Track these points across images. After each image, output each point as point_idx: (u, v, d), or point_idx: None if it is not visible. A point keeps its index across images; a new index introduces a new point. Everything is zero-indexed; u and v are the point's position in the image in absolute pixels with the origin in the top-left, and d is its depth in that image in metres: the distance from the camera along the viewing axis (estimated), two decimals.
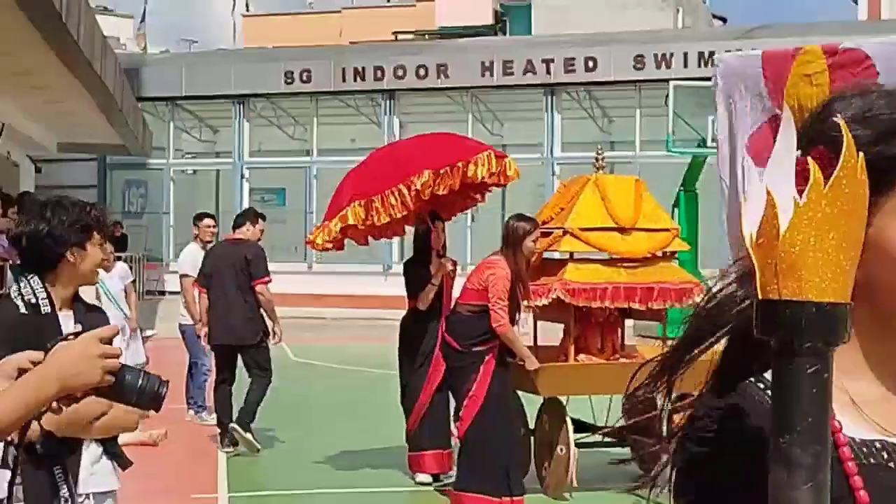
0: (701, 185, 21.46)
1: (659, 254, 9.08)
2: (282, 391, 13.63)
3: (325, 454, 10.85)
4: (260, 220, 11.29)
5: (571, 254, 8.97)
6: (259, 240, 11.20)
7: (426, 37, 39.22)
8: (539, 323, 9.46)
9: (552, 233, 8.98)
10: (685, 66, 26.81)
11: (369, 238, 9.91)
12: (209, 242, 11.99)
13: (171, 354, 12.09)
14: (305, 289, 28.13)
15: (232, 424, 10.57)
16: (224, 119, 31.77)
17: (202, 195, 33.29)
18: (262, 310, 10.85)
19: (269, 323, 10.93)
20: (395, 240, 29.58)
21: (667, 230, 9.15)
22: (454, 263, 9.60)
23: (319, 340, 23.28)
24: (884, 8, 39.24)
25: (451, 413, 8.95)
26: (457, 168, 8.93)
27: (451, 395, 8.92)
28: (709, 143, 21.57)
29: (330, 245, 9.38)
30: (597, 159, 9.35)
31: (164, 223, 31.44)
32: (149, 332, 17.59)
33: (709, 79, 24.13)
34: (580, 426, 9.03)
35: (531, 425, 9.18)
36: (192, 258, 11.86)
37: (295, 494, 9.33)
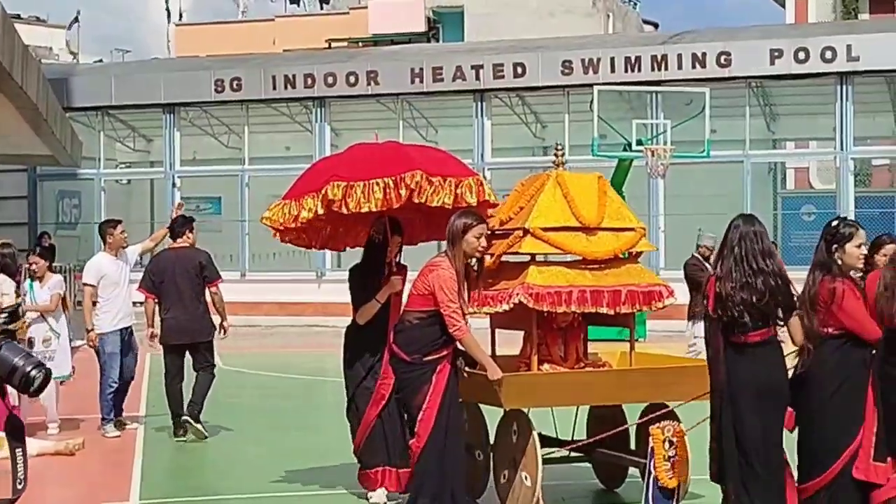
0: (627, 188, 21.70)
1: (623, 255, 8.47)
2: (210, 396, 13.68)
3: (241, 460, 10.95)
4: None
5: (533, 256, 8.27)
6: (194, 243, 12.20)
7: (359, 44, 39.30)
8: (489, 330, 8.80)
9: (511, 234, 8.31)
10: (612, 70, 27.10)
11: (311, 244, 9.41)
12: (124, 248, 12.01)
13: (97, 365, 12.09)
14: (239, 297, 27.93)
15: (184, 417, 11.71)
16: (157, 128, 31.69)
17: (136, 205, 33.19)
18: (215, 308, 12.01)
19: (218, 320, 12.11)
20: None
21: (632, 229, 8.49)
22: (405, 272, 8.79)
23: (252, 348, 23.28)
24: (810, 11, 39.82)
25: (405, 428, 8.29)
26: (449, 182, 8.32)
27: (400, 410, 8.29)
28: (633, 147, 21.90)
29: (282, 227, 8.68)
30: (556, 155, 8.65)
31: (95, 234, 31.21)
32: (78, 343, 17.55)
33: (635, 83, 24.57)
34: (545, 441, 8.41)
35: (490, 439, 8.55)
36: (96, 268, 11.90)
37: (205, 500, 9.37)
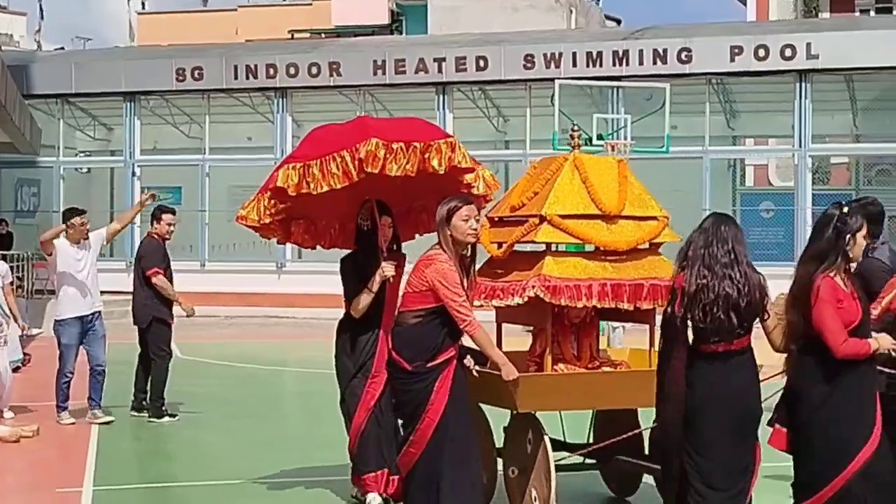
0: None
1: (645, 245, 7.69)
2: (167, 386, 13.67)
3: (198, 449, 10.97)
4: (167, 215, 12.53)
5: (548, 245, 7.50)
6: (165, 233, 12.42)
7: (322, 35, 39.26)
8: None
9: (523, 221, 7.59)
10: (574, 65, 27.21)
11: (317, 243, 8.68)
12: (85, 239, 11.97)
13: (55, 353, 12.05)
14: (198, 287, 27.91)
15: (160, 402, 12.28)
16: (118, 117, 31.53)
17: (97, 193, 33.02)
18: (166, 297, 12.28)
19: (174, 309, 12.44)
20: None
21: (655, 218, 7.74)
22: (402, 261, 8.10)
23: (211, 338, 23.24)
24: (772, 9, 40.12)
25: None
26: (413, 147, 7.53)
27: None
28: (594, 142, 21.98)
29: (257, 223, 8.05)
30: (572, 136, 7.90)
31: (54, 222, 31.07)
32: (35, 331, 17.50)
33: (596, 78, 24.64)
34: (556, 445, 7.69)
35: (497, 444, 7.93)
36: (63, 256, 11.85)
37: (156, 487, 9.38)
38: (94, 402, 11.91)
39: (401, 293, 7.27)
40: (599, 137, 22.18)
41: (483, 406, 7.75)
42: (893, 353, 6.18)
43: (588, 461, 8.11)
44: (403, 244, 8.42)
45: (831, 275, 6.02)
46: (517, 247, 7.67)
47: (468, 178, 7.91)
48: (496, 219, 8.00)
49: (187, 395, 13.80)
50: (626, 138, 22.43)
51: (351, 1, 40.47)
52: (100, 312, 12.02)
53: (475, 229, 6.93)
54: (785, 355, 6.28)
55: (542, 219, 7.41)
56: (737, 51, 26.57)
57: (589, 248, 7.66)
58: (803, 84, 26.52)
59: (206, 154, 30.42)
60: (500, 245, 7.75)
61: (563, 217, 7.43)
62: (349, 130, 7.86)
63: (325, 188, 7.56)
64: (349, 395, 8.12)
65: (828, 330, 5.91)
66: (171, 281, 12.34)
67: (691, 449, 6.11)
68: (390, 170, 7.51)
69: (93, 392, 11.91)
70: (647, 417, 7.18)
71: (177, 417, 12.33)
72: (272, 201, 7.90)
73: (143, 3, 48.37)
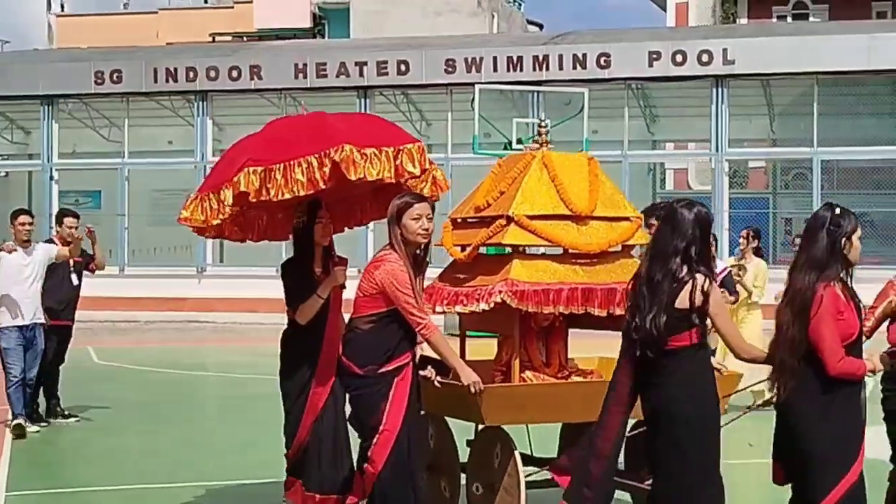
0: None
1: (617, 248, 7.27)
2: (82, 392, 13.59)
3: (115, 454, 10.90)
4: (68, 218, 12.25)
5: (515, 247, 7.10)
6: (67, 236, 12.05)
7: (244, 38, 39.12)
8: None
9: (489, 221, 7.18)
10: (495, 70, 27.38)
11: (246, 237, 7.90)
12: (26, 241, 11.65)
13: None
14: (118, 292, 27.83)
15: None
16: (36, 120, 31.17)
17: (14, 197, 32.54)
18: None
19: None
20: (210, 241, 29.79)
21: (628, 219, 7.31)
22: (345, 264, 7.44)
23: (131, 343, 23.09)
24: (691, 15, 40.62)
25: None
26: (385, 153, 6.94)
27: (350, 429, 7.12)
28: (514, 145, 22.14)
29: (204, 224, 7.19)
30: (540, 133, 7.49)
31: None
32: None
33: (516, 82, 24.77)
34: (524, 460, 7.14)
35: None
36: (7, 262, 11.48)
37: (71, 492, 9.30)
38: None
39: (349, 298, 6.89)
40: (519, 141, 22.33)
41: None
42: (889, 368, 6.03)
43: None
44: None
45: (833, 284, 5.61)
46: (482, 249, 7.32)
47: (417, 182, 7.34)
48: (459, 220, 7.59)
49: (106, 400, 13.72)
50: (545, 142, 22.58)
51: (273, 4, 40.37)
52: (41, 325, 11.64)
53: (426, 229, 6.56)
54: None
55: (510, 220, 7.03)
56: (655, 56, 26.87)
57: (557, 250, 7.29)
58: (720, 89, 26.90)
59: (125, 158, 30.17)
60: (463, 248, 7.36)
61: (532, 218, 7.04)
62: (312, 130, 7.20)
63: (287, 195, 6.85)
64: (296, 410, 7.30)
65: (826, 345, 5.56)
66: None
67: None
68: (369, 174, 6.89)
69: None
70: None
71: (76, 419, 12.38)
72: (224, 204, 7.04)
73: (62, 6, 47.82)
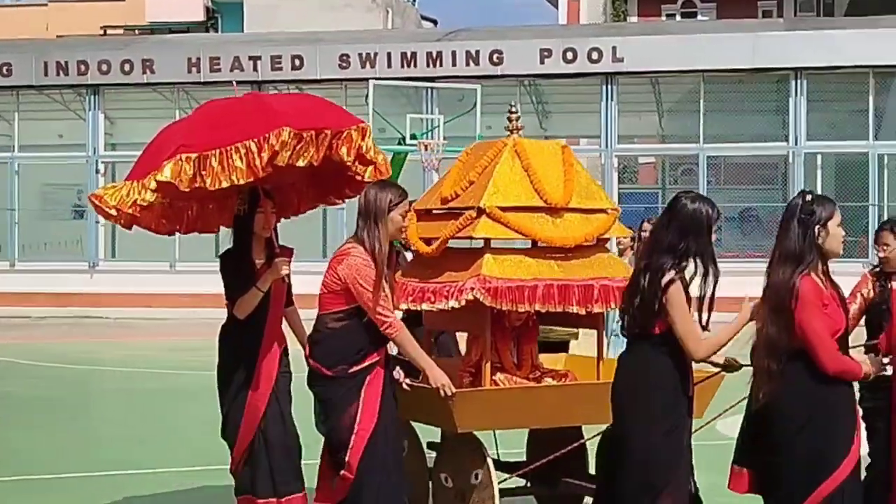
0: (402, 182, 22.03)
1: (592, 242, 6.77)
2: None
3: (8, 447, 10.90)
4: None
5: (487, 241, 6.57)
6: None
7: (135, 32, 38.77)
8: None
9: (457, 213, 6.68)
10: (389, 65, 27.56)
11: (174, 229, 7.24)
12: None
13: None
14: (9, 287, 27.56)
15: None
16: None
17: None
18: None
19: None
20: (102, 235, 29.60)
21: (604, 211, 6.83)
22: (290, 254, 6.91)
23: (23, 339, 22.85)
24: (582, 13, 41.19)
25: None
26: (323, 135, 6.40)
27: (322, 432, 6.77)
28: (408, 141, 22.37)
29: (115, 212, 6.46)
30: (510, 119, 6.98)
31: None
32: None
33: (410, 78, 24.86)
34: (498, 466, 6.76)
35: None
36: None
37: None
38: None
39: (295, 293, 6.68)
40: (413, 137, 22.55)
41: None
42: (883, 373, 5.61)
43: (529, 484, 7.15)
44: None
45: (810, 274, 5.26)
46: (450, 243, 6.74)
47: (357, 166, 6.78)
48: (424, 211, 7.02)
49: None
50: (439, 138, 22.86)
51: None
52: None
53: (405, 227, 6.39)
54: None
55: (481, 211, 6.50)
56: (546, 53, 27.29)
57: (525, 243, 6.83)
58: (609, 86, 27.40)
59: (15, 152, 29.79)
60: (429, 241, 6.78)
61: (504, 209, 6.52)
62: (250, 113, 6.64)
63: (225, 184, 6.30)
64: (235, 411, 6.83)
65: (818, 339, 5.19)
66: None
67: None
68: (295, 161, 6.35)
69: None
70: (590, 431, 6.67)
71: None
72: (146, 193, 6.40)
73: None
